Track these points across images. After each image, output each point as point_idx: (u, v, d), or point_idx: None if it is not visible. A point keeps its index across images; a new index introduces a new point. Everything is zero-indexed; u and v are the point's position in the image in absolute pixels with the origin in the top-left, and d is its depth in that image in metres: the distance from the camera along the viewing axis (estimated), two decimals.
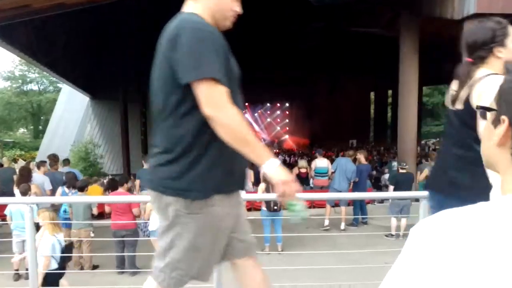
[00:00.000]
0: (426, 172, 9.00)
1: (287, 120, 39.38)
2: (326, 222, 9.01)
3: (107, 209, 7.53)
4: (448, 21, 10.16)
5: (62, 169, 9.69)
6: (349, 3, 11.58)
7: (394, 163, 11.68)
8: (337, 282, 4.76)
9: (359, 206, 9.60)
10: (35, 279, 3.51)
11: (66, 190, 7.47)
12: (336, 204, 9.69)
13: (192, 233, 1.84)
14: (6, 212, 6.64)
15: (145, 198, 7.20)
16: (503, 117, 0.74)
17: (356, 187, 9.48)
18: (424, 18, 11.61)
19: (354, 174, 9.34)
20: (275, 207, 7.43)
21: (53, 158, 9.17)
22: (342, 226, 9.06)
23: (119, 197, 6.79)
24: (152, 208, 6.53)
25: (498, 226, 0.62)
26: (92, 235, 6.81)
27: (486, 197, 1.15)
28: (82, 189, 7.18)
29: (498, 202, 0.68)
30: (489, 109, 0.82)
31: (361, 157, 9.87)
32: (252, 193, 9.99)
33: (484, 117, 0.85)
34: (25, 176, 7.66)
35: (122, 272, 6.54)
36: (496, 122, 0.78)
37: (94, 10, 13.37)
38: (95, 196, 8.72)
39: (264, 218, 7.55)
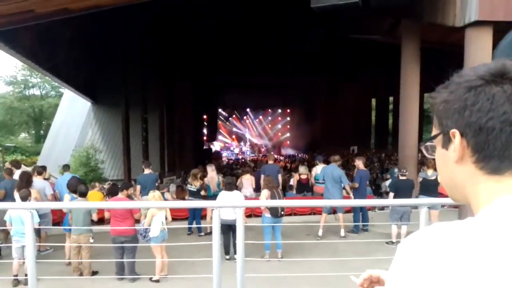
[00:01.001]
0: (419, 179, 9.08)
1: (288, 126, 39.43)
2: (320, 232, 8.83)
3: (106, 215, 7.45)
4: (450, 28, 10.17)
5: (63, 175, 9.68)
6: (351, 10, 11.62)
7: (396, 170, 11.66)
8: None
9: (360, 213, 9.53)
10: (34, 285, 3.50)
11: (74, 195, 7.47)
12: (334, 211, 9.57)
13: None
14: (6, 217, 6.63)
15: (145, 204, 7.15)
16: (453, 131, 0.73)
17: (356, 193, 9.41)
18: (425, 25, 11.63)
19: (344, 178, 9.14)
20: (282, 212, 7.46)
21: (16, 165, 9.22)
22: (342, 233, 8.93)
23: (120, 203, 6.77)
24: (153, 214, 6.52)
25: (485, 241, 0.62)
26: (91, 241, 6.78)
27: None
28: (83, 195, 7.16)
29: (485, 216, 0.67)
30: (434, 137, 0.81)
31: (360, 163, 9.78)
32: (253, 199, 9.98)
33: (433, 152, 0.83)
34: (25, 181, 7.65)
35: (122, 278, 6.51)
36: (446, 143, 0.77)
37: (97, 15, 13.43)
38: (95, 201, 8.72)
39: (265, 225, 7.53)
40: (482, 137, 0.70)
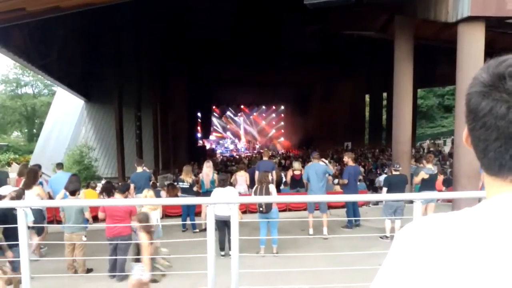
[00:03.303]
0: (422, 174, 8.99)
1: (282, 123, 39.45)
2: (311, 231, 8.71)
3: (100, 215, 6.94)
4: (443, 24, 10.23)
5: (56, 173, 9.62)
6: (344, 6, 11.64)
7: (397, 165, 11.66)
8: (332, 284, 4.75)
9: (352, 209, 9.51)
10: (28, 283, 3.48)
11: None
12: (316, 208, 9.35)
13: None
14: None
15: (141, 201, 7.10)
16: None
17: (346, 189, 9.40)
18: (418, 21, 11.68)
19: (329, 170, 9.10)
20: (261, 209, 7.40)
21: None
22: (325, 231, 8.51)
23: (114, 200, 6.75)
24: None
25: (480, 231, 0.63)
26: (84, 239, 6.73)
27: None
28: (73, 193, 7.07)
29: (481, 208, 0.68)
30: None
31: (349, 159, 9.72)
32: (247, 195, 9.99)
33: None
34: (32, 177, 7.56)
35: (115, 276, 6.49)
36: None
37: (90, 13, 13.35)
38: (91, 200, 8.67)
39: (260, 220, 7.54)
40: (473, 141, 0.72)
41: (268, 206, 7.37)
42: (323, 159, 9.68)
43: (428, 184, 8.82)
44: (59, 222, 8.69)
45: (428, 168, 8.96)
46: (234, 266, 3.51)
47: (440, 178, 10.42)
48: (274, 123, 40.40)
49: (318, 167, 8.99)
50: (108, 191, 7.55)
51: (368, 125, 32.67)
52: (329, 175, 9.26)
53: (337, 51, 24.86)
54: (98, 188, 10.87)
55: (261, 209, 7.39)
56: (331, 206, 10.46)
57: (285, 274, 5.59)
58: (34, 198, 7.11)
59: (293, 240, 7.76)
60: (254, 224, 7.85)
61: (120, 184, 10.61)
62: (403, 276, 0.65)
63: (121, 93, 19.89)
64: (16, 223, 5.46)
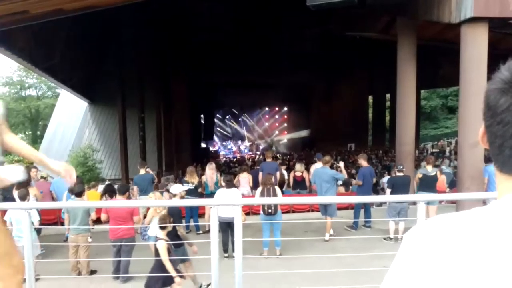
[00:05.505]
0: (417, 175, 9.01)
1: (285, 124, 39.44)
2: (327, 236, 8.44)
3: (103, 217, 6.85)
4: (445, 25, 10.20)
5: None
6: (346, 8, 11.63)
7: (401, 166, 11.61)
8: (335, 286, 4.75)
9: (360, 210, 9.51)
10: (32, 284, 3.49)
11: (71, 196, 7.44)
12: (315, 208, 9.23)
13: None
14: (6, 218, 6.61)
15: (145, 203, 7.11)
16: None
17: (360, 190, 9.43)
18: (421, 22, 11.66)
19: (338, 175, 8.88)
20: (270, 210, 7.40)
21: None
22: (326, 236, 8.38)
23: (119, 202, 6.76)
24: (154, 214, 6.52)
25: (490, 232, 0.63)
26: (89, 240, 6.77)
27: None
28: (79, 194, 7.11)
29: (491, 207, 0.68)
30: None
31: (362, 161, 9.77)
32: (250, 197, 9.99)
33: None
34: (25, 180, 7.63)
35: (119, 278, 6.51)
36: None
37: (93, 16, 13.38)
38: (94, 201, 8.69)
39: (263, 222, 7.54)
40: (490, 138, 0.72)
41: (276, 208, 7.41)
42: (339, 164, 9.57)
43: (424, 185, 8.81)
44: (62, 224, 8.72)
45: (424, 169, 8.99)
46: (238, 268, 3.51)
47: (442, 179, 10.39)
48: (277, 124, 40.41)
49: (323, 172, 8.91)
50: (111, 192, 7.59)
51: (371, 126, 32.62)
52: (337, 180, 8.83)
53: (339, 52, 24.83)
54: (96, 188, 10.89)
55: (270, 210, 7.38)
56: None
57: (288, 275, 5.59)
58: (31, 199, 7.16)
59: (296, 242, 7.75)
60: (257, 226, 7.85)
61: (119, 185, 10.64)
62: (413, 279, 0.65)
63: (124, 95, 19.91)
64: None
